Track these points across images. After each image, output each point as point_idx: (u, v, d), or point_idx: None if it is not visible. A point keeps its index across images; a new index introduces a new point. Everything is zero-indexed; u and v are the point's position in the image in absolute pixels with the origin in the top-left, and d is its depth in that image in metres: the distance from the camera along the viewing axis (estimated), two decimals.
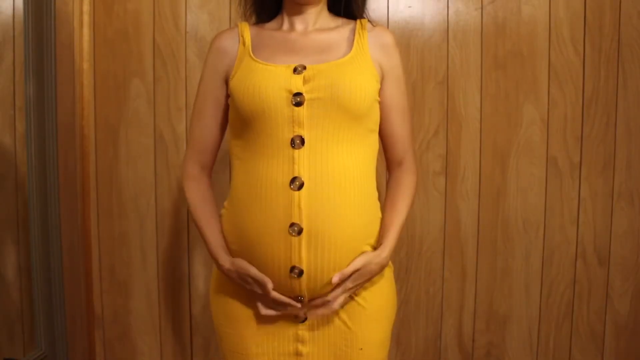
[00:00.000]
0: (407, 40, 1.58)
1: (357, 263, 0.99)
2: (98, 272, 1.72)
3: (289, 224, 0.96)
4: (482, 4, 1.57)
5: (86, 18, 1.65)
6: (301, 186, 0.96)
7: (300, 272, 0.97)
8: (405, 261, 1.64)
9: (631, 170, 1.58)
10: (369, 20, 1.10)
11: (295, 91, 0.97)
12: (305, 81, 0.98)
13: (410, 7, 1.58)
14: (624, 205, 1.59)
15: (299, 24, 1.09)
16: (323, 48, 1.06)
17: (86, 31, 1.65)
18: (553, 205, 1.60)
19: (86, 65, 1.66)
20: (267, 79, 0.99)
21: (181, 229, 1.69)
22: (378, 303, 1.07)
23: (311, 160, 0.97)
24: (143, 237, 1.69)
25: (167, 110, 1.66)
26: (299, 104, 0.97)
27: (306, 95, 0.97)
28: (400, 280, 1.64)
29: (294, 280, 0.98)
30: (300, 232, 0.96)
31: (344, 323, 1.03)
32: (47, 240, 1.52)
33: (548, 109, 1.58)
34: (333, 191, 0.98)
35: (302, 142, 0.97)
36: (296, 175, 0.97)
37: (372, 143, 1.07)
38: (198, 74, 1.63)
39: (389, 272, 1.10)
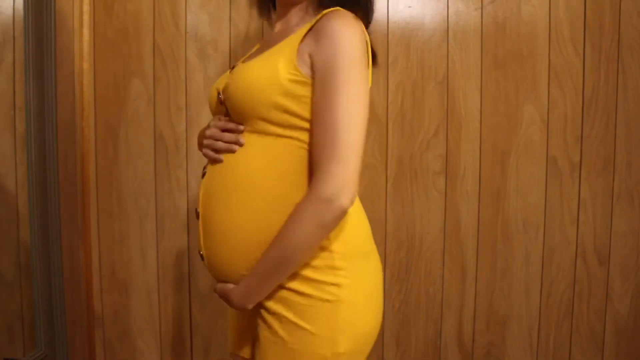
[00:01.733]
0: (407, 40, 1.58)
1: (217, 288, 0.98)
2: (98, 272, 1.72)
3: (195, 208, 1.03)
4: (482, 4, 1.57)
5: (86, 18, 1.65)
6: (205, 175, 1.01)
7: (202, 257, 1.00)
8: (405, 261, 1.64)
9: (631, 170, 1.58)
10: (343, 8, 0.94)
11: (219, 90, 1.00)
12: (230, 81, 0.98)
13: (410, 7, 1.58)
14: (624, 205, 1.59)
15: (280, 23, 1.07)
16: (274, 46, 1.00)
17: (86, 31, 1.65)
18: (553, 205, 1.60)
19: (86, 66, 1.66)
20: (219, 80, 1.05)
21: (181, 229, 1.69)
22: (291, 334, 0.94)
23: (232, 153, 0.98)
24: (143, 237, 1.69)
25: (167, 110, 1.66)
26: (221, 103, 1.00)
27: (222, 96, 0.99)
28: (401, 280, 1.64)
29: (204, 263, 1.01)
30: (198, 216, 1.00)
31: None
32: (47, 240, 1.52)
33: (548, 109, 1.58)
34: (223, 184, 0.96)
35: None
36: (206, 165, 1.02)
37: (285, 148, 0.92)
38: (198, 74, 1.64)
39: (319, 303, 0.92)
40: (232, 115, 0.97)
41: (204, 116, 1.65)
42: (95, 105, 1.68)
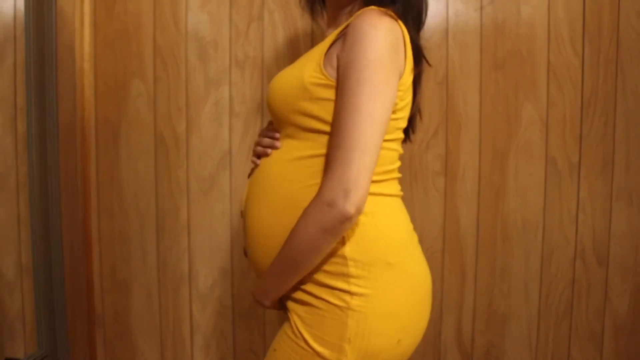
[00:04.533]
0: None
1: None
2: (99, 272, 1.72)
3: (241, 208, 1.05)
4: (482, 5, 1.58)
5: (87, 18, 1.65)
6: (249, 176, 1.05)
7: (245, 254, 1.04)
8: None
9: (630, 170, 1.58)
10: (378, 7, 0.92)
11: None
12: (269, 88, 1.04)
13: None
14: (623, 205, 1.59)
15: (330, 28, 1.07)
16: None
17: (87, 31, 1.65)
18: (552, 205, 1.61)
19: (87, 66, 1.66)
20: None
21: (181, 229, 1.69)
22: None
23: (267, 157, 1.01)
24: (143, 236, 1.70)
25: (168, 110, 1.66)
26: None
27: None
28: None
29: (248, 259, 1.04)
30: (242, 215, 1.02)
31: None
32: (48, 239, 1.52)
33: (547, 109, 1.59)
34: (258, 186, 0.99)
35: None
36: (253, 167, 1.05)
37: (308, 152, 0.93)
38: (198, 74, 1.64)
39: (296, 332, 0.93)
40: (272, 120, 1.01)
41: (204, 116, 1.65)
42: (96, 105, 1.68)
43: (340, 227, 0.84)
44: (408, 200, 1.61)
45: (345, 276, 0.89)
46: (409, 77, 0.93)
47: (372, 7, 0.91)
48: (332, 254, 0.90)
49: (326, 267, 0.91)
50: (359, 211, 0.83)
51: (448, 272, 1.65)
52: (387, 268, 0.91)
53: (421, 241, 1.63)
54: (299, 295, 0.94)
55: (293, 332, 0.93)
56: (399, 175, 1.03)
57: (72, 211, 1.63)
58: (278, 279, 0.93)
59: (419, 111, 1.14)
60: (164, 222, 1.69)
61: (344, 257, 0.90)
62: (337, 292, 0.89)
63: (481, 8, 1.58)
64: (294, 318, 0.93)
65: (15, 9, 1.43)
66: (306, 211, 0.86)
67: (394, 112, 0.91)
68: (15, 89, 1.45)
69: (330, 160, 0.85)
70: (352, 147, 0.82)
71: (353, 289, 0.89)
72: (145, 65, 1.65)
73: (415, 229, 1.08)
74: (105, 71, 1.67)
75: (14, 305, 1.51)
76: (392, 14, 0.91)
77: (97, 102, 1.68)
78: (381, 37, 0.84)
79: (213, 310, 1.70)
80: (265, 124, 1.64)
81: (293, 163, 0.94)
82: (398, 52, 0.89)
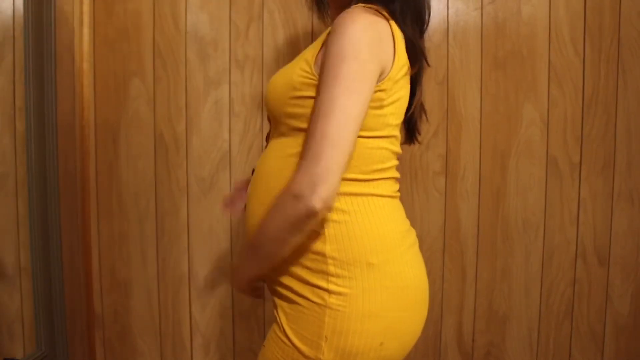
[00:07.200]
0: None
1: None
2: (98, 272, 1.72)
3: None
4: (482, 4, 1.57)
5: (86, 18, 1.65)
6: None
7: None
8: None
9: (631, 170, 1.58)
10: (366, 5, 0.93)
11: None
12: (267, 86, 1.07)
13: None
14: (624, 205, 1.59)
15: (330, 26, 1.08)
16: None
17: (86, 31, 1.65)
18: (553, 205, 1.60)
19: (86, 65, 1.66)
20: None
21: (181, 229, 1.69)
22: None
23: (264, 152, 1.03)
24: (143, 236, 1.69)
25: (167, 110, 1.66)
26: None
27: None
28: None
29: None
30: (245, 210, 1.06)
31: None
32: (47, 240, 1.52)
33: (548, 108, 1.58)
34: (254, 183, 1.01)
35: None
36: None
37: (297, 149, 0.93)
38: (198, 74, 1.64)
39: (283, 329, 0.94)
40: (268, 118, 1.03)
41: (204, 116, 1.65)
42: (95, 105, 1.68)
43: (305, 220, 0.83)
44: (408, 200, 1.61)
45: (325, 274, 0.90)
46: (397, 72, 0.92)
47: (360, 4, 0.91)
48: (313, 251, 0.90)
49: (307, 264, 0.91)
50: (326, 206, 0.82)
51: (448, 272, 1.64)
52: (369, 268, 0.90)
53: (421, 241, 1.63)
54: (284, 291, 0.95)
55: (279, 328, 0.94)
56: (395, 175, 1.02)
57: (71, 211, 1.63)
58: (249, 264, 0.95)
59: (424, 111, 1.13)
60: (163, 222, 1.69)
61: (324, 255, 0.90)
62: (316, 289, 0.90)
63: (482, 7, 1.57)
64: (280, 314, 0.95)
65: (14, 8, 1.43)
66: (276, 201, 0.86)
67: (380, 107, 0.91)
68: (14, 89, 1.45)
69: (303, 153, 0.84)
70: (323, 141, 0.81)
71: (331, 287, 0.89)
72: (145, 65, 1.65)
73: (415, 229, 1.07)
74: (104, 71, 1.66)
75: (13, 306, 1.51)
76: (381, 10, 0.92)
77: (97, 102, 1.67)
78: (359, 31, 0.84)
79: (213, 310, 1.70)
80: (265, 124, 1.64)
81: (285, 160, 0.95)
82: (381, 46, 0.88)
